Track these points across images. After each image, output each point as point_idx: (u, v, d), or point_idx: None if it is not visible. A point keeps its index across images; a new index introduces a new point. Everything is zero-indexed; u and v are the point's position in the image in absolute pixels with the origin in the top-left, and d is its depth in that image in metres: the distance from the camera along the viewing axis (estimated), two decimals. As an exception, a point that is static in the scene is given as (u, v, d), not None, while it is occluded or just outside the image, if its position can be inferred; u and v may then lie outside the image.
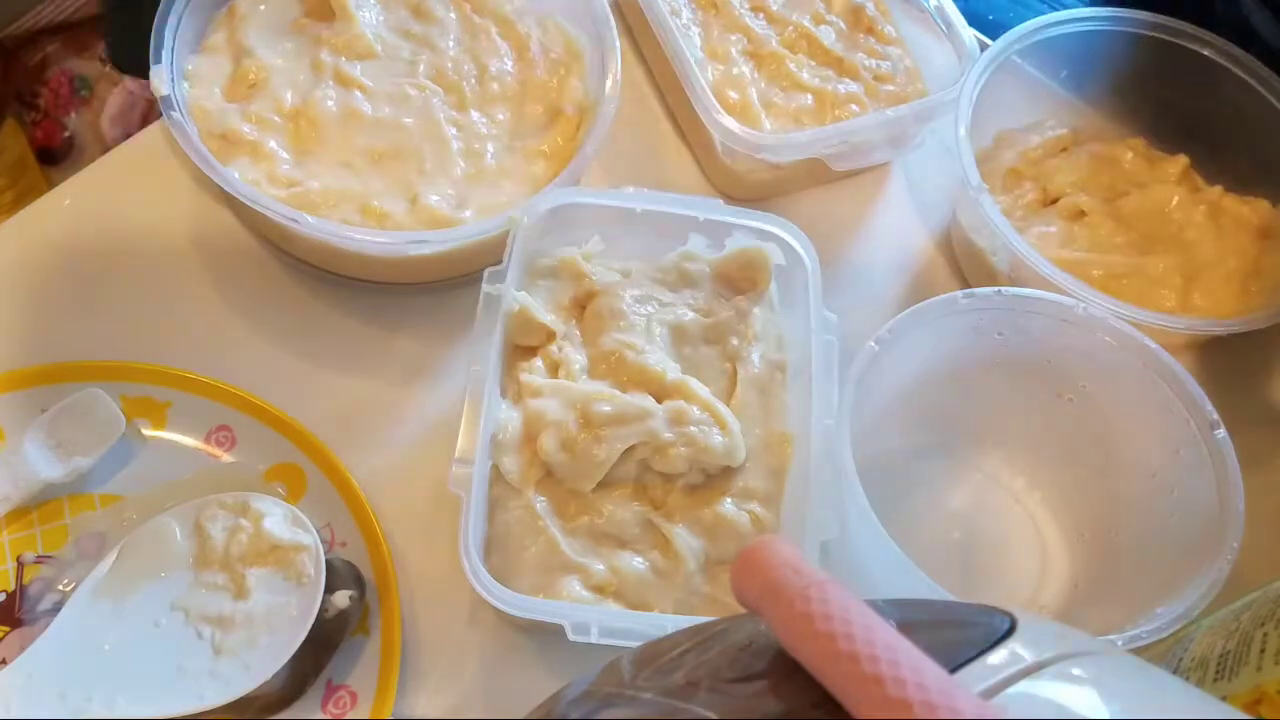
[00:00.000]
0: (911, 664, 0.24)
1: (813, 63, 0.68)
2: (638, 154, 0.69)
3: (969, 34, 0.67)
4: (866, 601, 0.27)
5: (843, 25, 0.70)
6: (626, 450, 0.51)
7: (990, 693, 0.26)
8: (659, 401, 0.52)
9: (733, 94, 0.65)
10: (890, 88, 0.68)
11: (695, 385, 0.53)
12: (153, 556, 0.51)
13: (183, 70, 0.59)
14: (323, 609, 0.49)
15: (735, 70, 0.66)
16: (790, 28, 0.69)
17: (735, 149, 0.63)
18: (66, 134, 0.90)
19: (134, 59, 0.72)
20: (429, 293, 0.62)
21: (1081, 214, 0.65)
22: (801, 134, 0.63)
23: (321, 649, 0.50)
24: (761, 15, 0.69)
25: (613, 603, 0.49)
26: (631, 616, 0.47)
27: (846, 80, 0.68)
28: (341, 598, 0.50)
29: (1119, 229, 0.65)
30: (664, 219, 0.57)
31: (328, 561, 0.50)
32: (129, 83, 0.88)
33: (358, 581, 0.51)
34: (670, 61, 0.64)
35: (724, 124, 0.61)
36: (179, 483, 0.54)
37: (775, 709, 0.26)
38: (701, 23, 0.68)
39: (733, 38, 0.68)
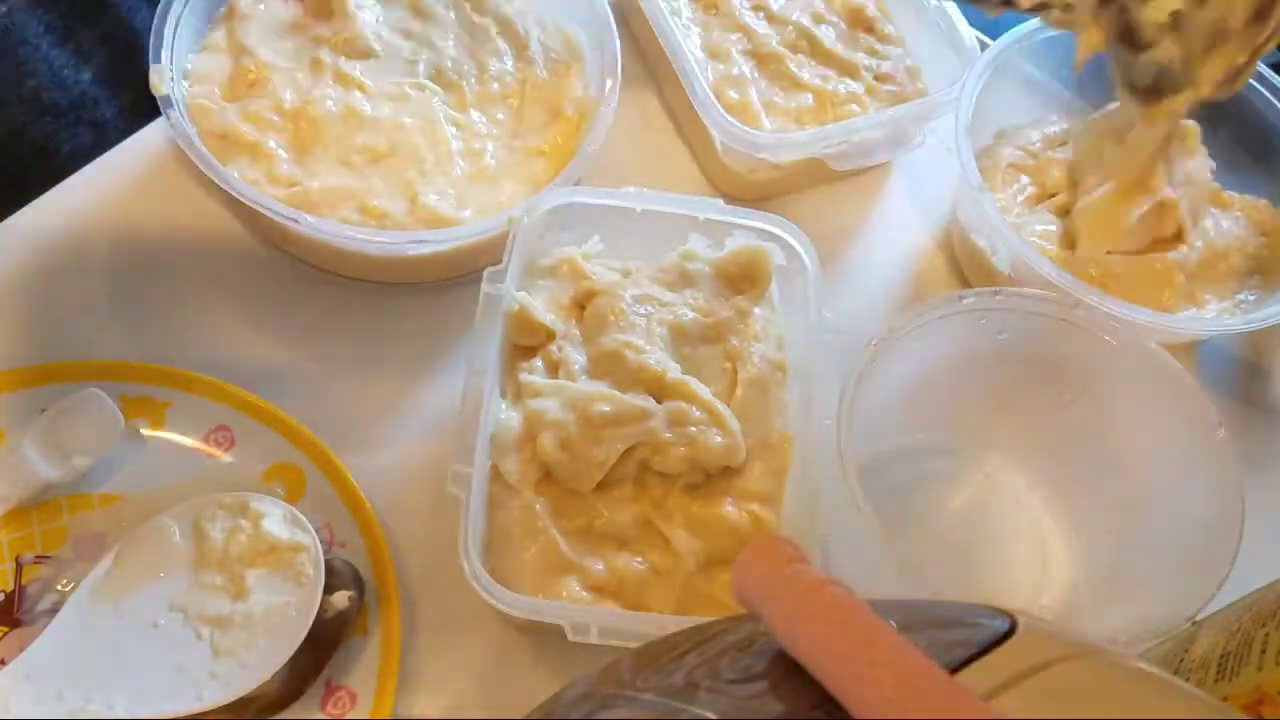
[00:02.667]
0: (912, 664, 0.24)
1: (813, 62, 0.68)
2: (638, 154, 0.69)
3: (969, 33, 0.67)
4: (866, 601, 0.27)
5: (843, 25, 0.70)
6: (626, 450, 0.51)
7: (990, 694, 0.26)
8: (659, 402, 0.52)
9: (733, 94, 0.65)
10: (891, 87, 0.68)
11: (695, 385, 0.53)
12: (151, 557, 0.51)
13: (182, 69, 0.59)
14: (322, 609, 0.49)
15: (735, 70, 0.66)
16: (790, 27, 0.69)
17: (735, 149, 0.62)
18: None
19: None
20: (429, 293, 0.62)
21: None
22: (801, 134, 0.63)
23: (321, 649, 0.50)
24: (762, 14, 0.69)
25: (612, 603, 0.49)
26: (631, 617, 0.47)
27: (847, 80, 0.68)
28: (341, 598, 0.50)
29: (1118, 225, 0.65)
30: (664, 219, 0.57)
31: (327, 562, 0.50)
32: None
33: (357, 582, 0.51)
34: (670, 61, 0.64)
35: (724, 124, 0.61)
36: (179, 483, 0.54)
37: (775, 709, 0.26)
38: (701, 22, 0.68)
39: (733, 37, 0.68)
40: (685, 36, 0.65)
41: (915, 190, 0.71)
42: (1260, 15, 0.46)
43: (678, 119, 0.71)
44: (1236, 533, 0.49)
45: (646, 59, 0.72)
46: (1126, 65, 0.47)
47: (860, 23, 0.70)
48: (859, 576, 0.51)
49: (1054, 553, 0.58)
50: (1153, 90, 0.48)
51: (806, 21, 0.69)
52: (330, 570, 0.50)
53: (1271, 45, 0.47)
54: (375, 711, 0.49)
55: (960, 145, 0.61)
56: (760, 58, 0.67)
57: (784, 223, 0.56)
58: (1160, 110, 0.48)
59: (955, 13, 0.68)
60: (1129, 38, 0.46)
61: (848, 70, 0.68)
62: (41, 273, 0.59)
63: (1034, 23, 0.66)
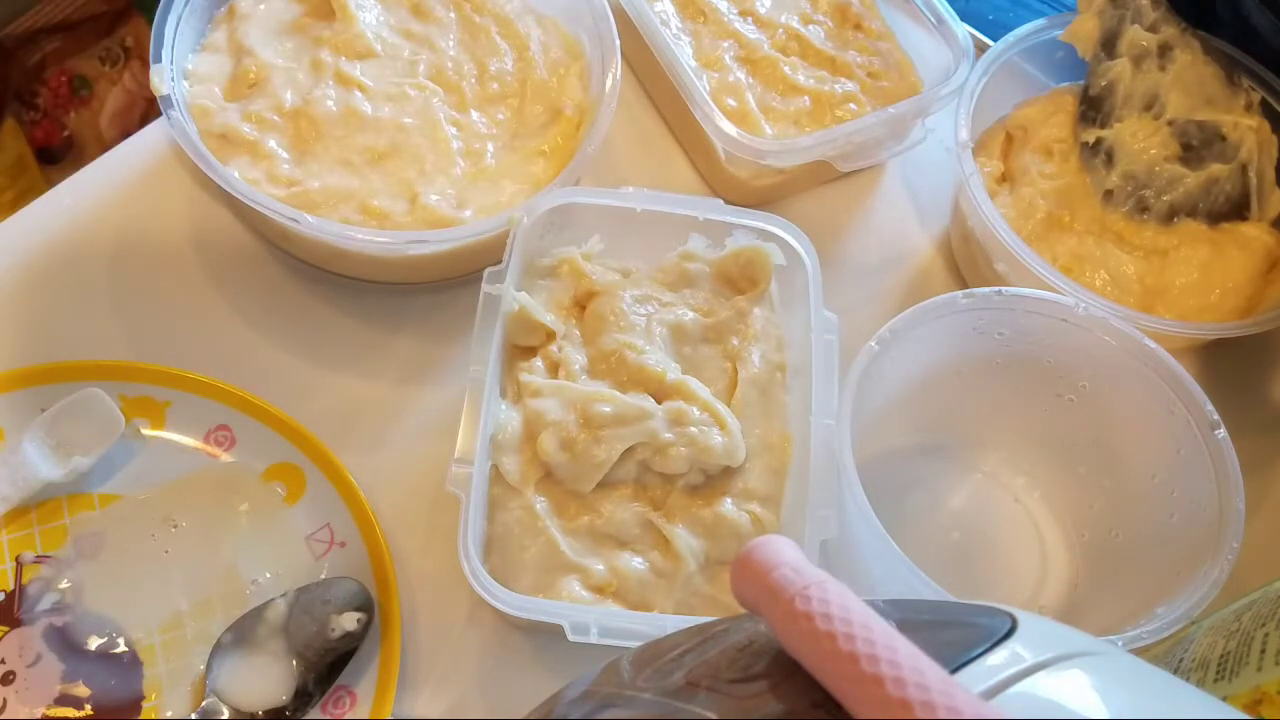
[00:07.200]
0: (911, 664, 0.24)
1: (806, 64, 0.68)
2: (638, 154, 0.69)
3: (958, 22, 0.67)
4: (866, 601, 0.27)
5: (830, 23, 0.70)
6: (626, 451, 0.51)
7: (990, 693, 0.26)
8: (659, 402, 0.52)
9: (730, 101, 0.65)
10: (885, 83, 0.68)
11: (695, 385, 0.53)
12: None
13: (183, 69, 0.59)
14: (330, 629, 0.50)
15: (731, 77, 0.66)
16: (780, 30, 0.68)
17: (740, 156, 0.62)
18: (66, 133, 0.90)
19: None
20: (429, 293, 0.62)
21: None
22: (807, 138, 0.63)
23: (327, 670, 0.50)
24: (750, 19, 0.69)
25: (613, 603, 0.49)
26: (631, 616, 0.47)
27: (842, 79, 0.67)
28: (349, 619, 0.50)
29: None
30: (664, 219, 0.57)
31: (339, 580, 0.51)
32: (128, 82, 0.89)
33: (367, 605, 0.51)
34: (666, 74, 0.64)
35: (728, 132, 0.61)
36: (178, 482, 0.54)
37: (775, 709, 0.26)
38: (691, 32, 0.67)
39: (724, 45, 0.67)
40: (677, 47, 0.65)
41: (915, 190, 0.71)
42: None
43: (675, 131, 0.70)
44: (1236, 533, 0.49)
45: (639, 74, 0.71)
46: None
47: (847, 19, 0.70)
48: (859, 576, 0.51)
49: (1054, 553, 0.58)
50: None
51: (795, 23, 0.69)
52: (340, 589, 0.50)
53: None
54: (375, 711, 0.49)
55: (960, 148, 0.62)
56: (753, 63, 0.67)
57: (784, 223, 0.56)
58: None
59: (942, 2, 0.67)
60: None
61: (841, 69, 0.68)
62: (41, 273, 0.59)
63: (1035, 25, 0.67)
